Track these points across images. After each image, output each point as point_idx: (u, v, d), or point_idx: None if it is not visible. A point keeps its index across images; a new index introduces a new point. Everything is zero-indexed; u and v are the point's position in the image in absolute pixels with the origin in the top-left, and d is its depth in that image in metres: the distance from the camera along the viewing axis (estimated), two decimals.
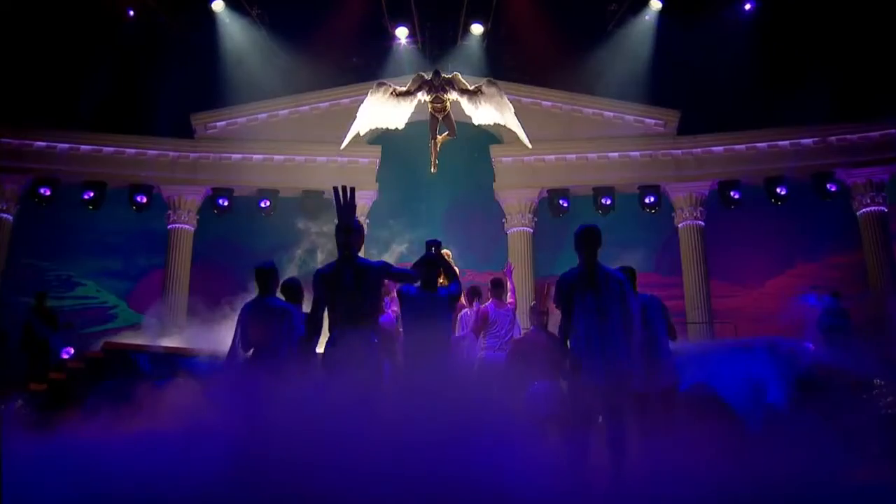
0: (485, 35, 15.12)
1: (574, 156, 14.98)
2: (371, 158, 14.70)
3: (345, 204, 4.72)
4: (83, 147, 14.26)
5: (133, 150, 14.54)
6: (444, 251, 10.73)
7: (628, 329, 4.62)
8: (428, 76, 10.32)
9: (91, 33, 13.78)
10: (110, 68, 14.08)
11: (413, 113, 10.37)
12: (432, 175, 11.05)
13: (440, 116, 10.28)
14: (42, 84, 13.53)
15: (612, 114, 15.11)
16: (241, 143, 14.94)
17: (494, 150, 14.89)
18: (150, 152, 14.64)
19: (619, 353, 4.54)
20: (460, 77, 10.33)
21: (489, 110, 10.28)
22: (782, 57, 14.10)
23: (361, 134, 10.77)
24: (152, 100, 14.21)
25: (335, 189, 4.80)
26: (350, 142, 10.66)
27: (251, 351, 5.58)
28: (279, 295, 5.99)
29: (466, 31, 15.05)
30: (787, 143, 14.25)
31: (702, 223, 14.65)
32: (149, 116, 14.31)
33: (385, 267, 4.80)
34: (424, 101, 10.18)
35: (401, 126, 10.43)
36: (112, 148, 14.41)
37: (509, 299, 7.21)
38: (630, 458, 4.58)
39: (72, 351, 11.80)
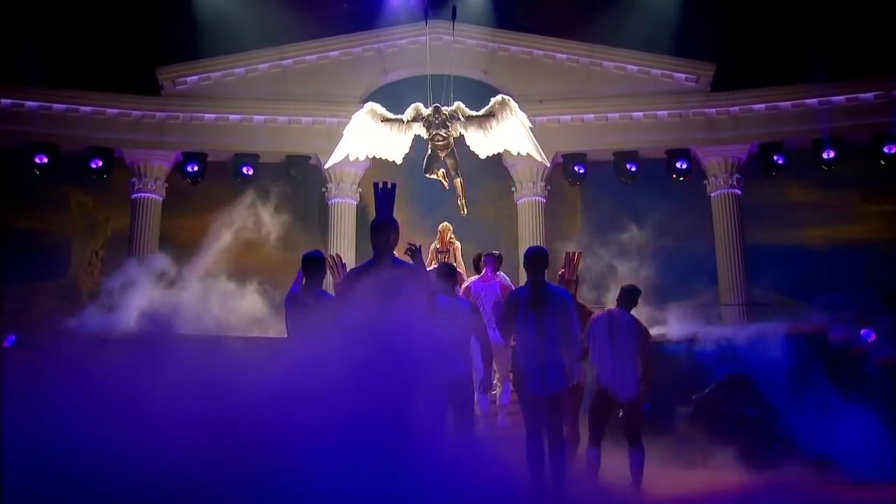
0: None
1: (593, 115, 13.35)
2: None
3: (385, 200, 4.73)
4: (28, 103, 12.45)
5: (89, 108, 12.79)
6: (443, 224, 9.54)
7: (566, 344, 5.16)
8: (426, 112, 9.15)
9: None
10: (62, 14, 12.41)
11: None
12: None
13: (443, 154, 9.26)
14: None
15: (636, 67, 13.43)
16: (216, 101, 13.30)
17: None
18: (110, 111, 12.91)
19: (557, 367, 5.09)
20: (464, 106, 9.21)
21: (500, 136, 9.31)
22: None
23: (351, 159, 10.02)
24: (112, 51, 12.59)
25: (375, 184, 4.84)
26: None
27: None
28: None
29: None
30: (842, 98, 12.46)
31: (738, 191, 13.01)
32: (108, 70, 12.68)
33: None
34: (424, 137, 9.32)
35: (398, 161, 9.67)
36: (63, 105, 12.65)
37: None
38: (569, 464, 5.26)
39: (14, 339, 10.44)
